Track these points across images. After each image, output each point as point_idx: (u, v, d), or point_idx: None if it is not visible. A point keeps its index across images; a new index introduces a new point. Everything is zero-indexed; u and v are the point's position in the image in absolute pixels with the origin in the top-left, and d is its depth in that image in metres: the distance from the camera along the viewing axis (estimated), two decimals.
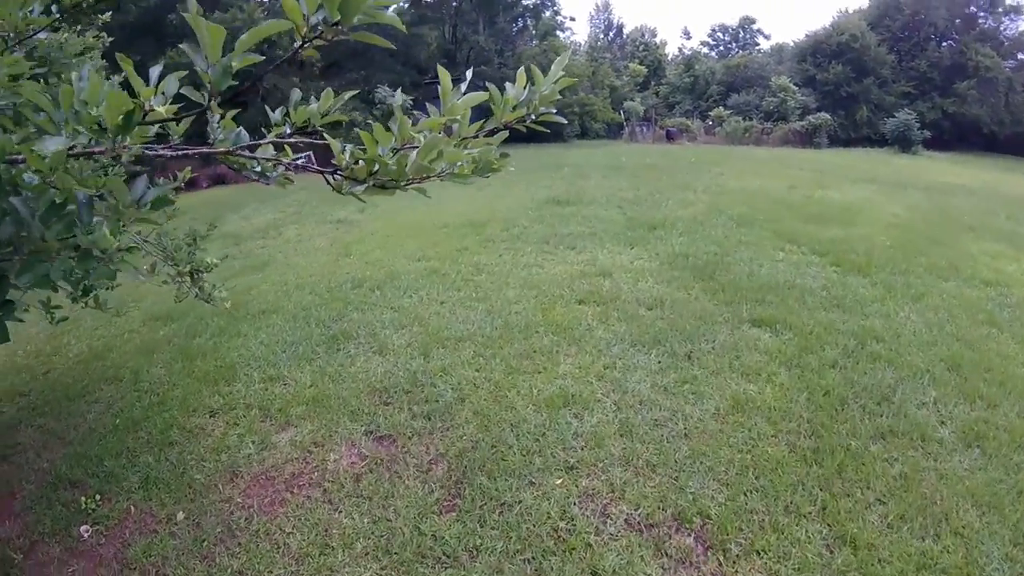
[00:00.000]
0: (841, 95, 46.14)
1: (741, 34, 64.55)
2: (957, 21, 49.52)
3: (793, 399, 4.72)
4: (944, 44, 50.62)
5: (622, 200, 11.79)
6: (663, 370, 5.10)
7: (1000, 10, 49.95)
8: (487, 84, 1.74)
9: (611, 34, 65.49)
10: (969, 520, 3.50)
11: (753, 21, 64.12)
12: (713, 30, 65.14)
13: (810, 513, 3.50)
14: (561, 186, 13.85)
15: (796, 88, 43.51)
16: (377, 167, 1.53)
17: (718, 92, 49.11)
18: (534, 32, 38.28)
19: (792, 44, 54.87)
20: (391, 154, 1.51)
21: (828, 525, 3.41)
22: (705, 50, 63.34)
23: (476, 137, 1.69)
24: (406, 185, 1.60)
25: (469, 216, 10.55)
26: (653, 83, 52.59)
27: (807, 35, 49.61)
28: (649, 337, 5.65)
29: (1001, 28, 50.69)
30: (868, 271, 7.86)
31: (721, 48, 64.32)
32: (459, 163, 1.60)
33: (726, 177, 15.80)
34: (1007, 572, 3.16)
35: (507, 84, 1.76)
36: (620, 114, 36.72)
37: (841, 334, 5.88)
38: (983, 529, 3.44)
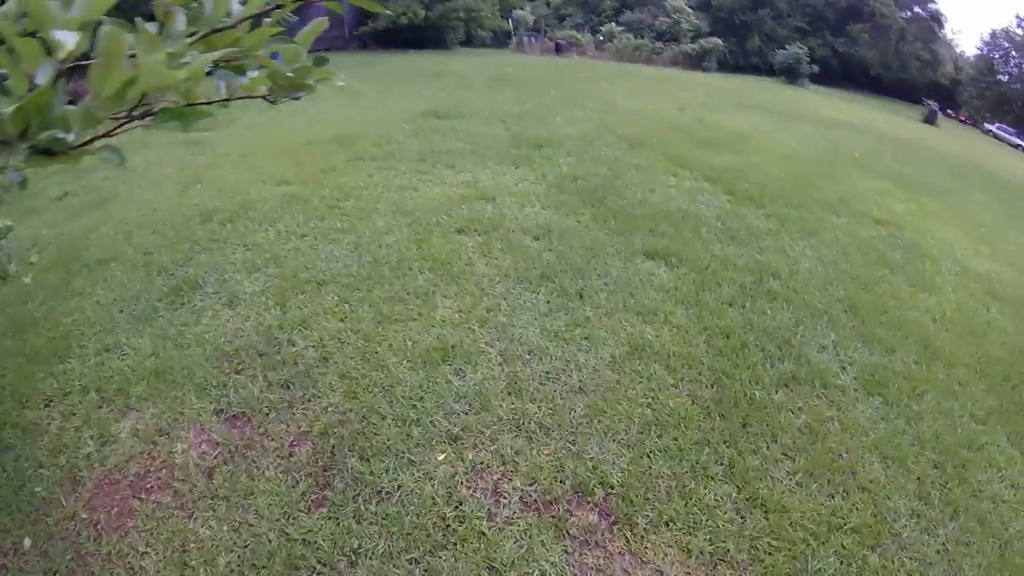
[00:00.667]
0: (735, 22, 47.64)
1: None
2: None
3: (692, 343, 4.54)
4: None
5: (507, 115, 11.22)
6: (553, 312, 4.72)
7: None
8: None
9: None
10: (875, 475, 3.56)
11: None
12: None
13: (717, 474, 3.34)
14: (441, 97, 13.01)
15: (691, 11, 44.36)
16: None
17: (611, 8, 49.23)
18: None
19: None
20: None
21: (737, 486, 3.29)
22: None
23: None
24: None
25: (338, 130, 9.59)
26: None
27: None
28: (536, 273, 5.22)
29: None
30: (762, 202, 7.91)
31: None
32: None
33: (616, 95, 15.56)
34: (914, 528, 3.25)
35: None
36: (509, 22, 35.65)
37: (738, 270, 5.83)
38: (889, 484, 3.52)
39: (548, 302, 4.86)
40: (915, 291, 6.16)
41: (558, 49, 34.17)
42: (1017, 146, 48.33)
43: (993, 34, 59.44)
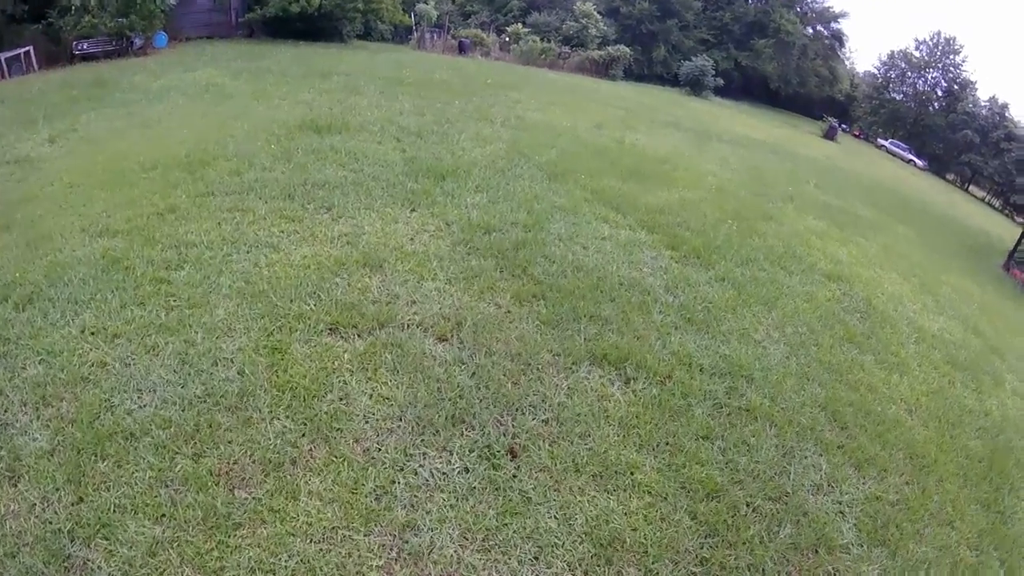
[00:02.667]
0: (642, 31, 48.56)
1: None
2: None
3: (673, 518, 3.35)
4: (751, 1, 55.60)
5: (402, 130, 9.42)
6: (476, 490, 3.25)
7: None
8: None
9: None
10: None
11: None
12: None
13: None
14: (325, 104, 11.02)
15: (599, 16, 44.25)
16: None
17: (519, 8, 48.67)
18: None
19: None
20: None
21: None
22: None
23: None
24: None
25: (192, 146, 7.61)
26: None
27: None
28: (446, 411, 3.70)
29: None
30: (709, 259, 6.89)
31: None
32: None
33: (527, 106, 14.05)
34: None
35: None
36: (411, 17, 33.77)
37: (705, 374, 4.74)
38: None
39: (468, 470, 3.36)
40: (886, 374, 5.82)
41: (461, 48, 32.59)
42: (909, 161, 51.93)
43: (891, 54, 63.28)
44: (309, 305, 4.43)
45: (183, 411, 3.39)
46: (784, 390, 4.88)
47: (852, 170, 24.69)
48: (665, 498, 3.46)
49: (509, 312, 4.86)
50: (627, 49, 39.99)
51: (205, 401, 3.48)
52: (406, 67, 17.72)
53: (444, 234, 5.89)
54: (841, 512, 3.89)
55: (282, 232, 5.44)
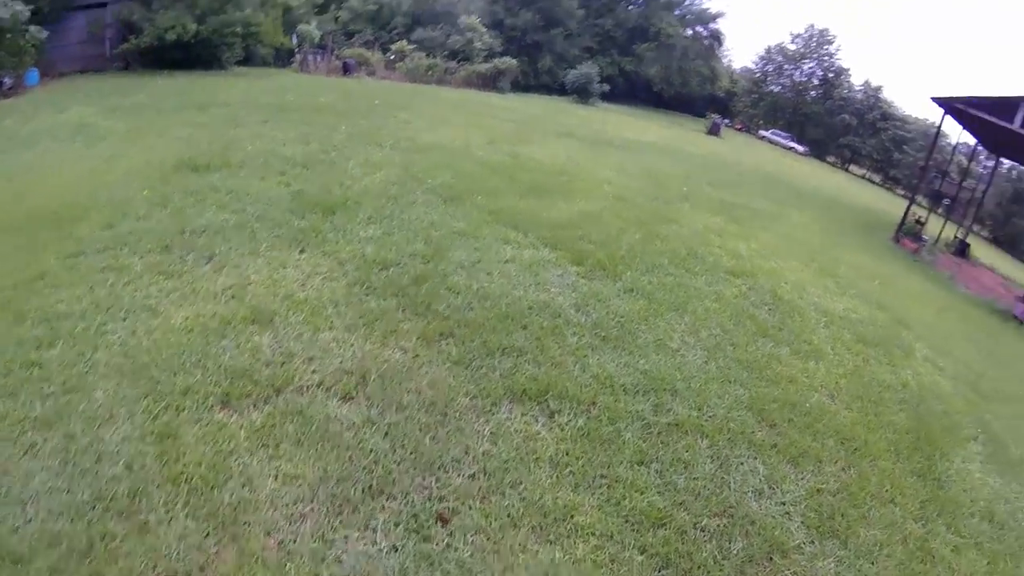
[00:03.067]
0: (527, 42, 48.92)
1: None
2: None
3: (624, 560, 3.27)
4: (632, 7, 57.17)
5: (287, 162, 8.87)
6: (410, 573, 2.92)
7: None
8: None
9: None
10: None
11: None
12: None
13: None
14: (204, 139, 10.25)
15: (484, 29, 44.28)
16: None
17: (403, 24, 48.03)
18: None
19: None
20: None
21: None
22: None
23: None
24: None
25: (61, 198, 6.94)
26: (334, 7, 49.25)
27: None
28: (362, 483, 3.35)
29: (686, 2, 59.19)
30: (615, 270, 6.85)
31: None
32: None
33: (416, 126, 13.66)
34: None
35: None
36: (292, 39, 32.74)
37: (628, 394, 4.65)
38: None
39: (396, 548, 3.03)
40: (803, 363, 5.99)
41: (346, 69, 31.81)
42: (791, 148, 54.75)
43: (768, 49, 66.43)
44: (196, 376, 3.96)
45: (73, 523, 2.89)
46: (708, 397, 4.87)
47: (740, 163, 25.51)
48: (611, 537, 3.32)
49: (417, 356, 4.55)
50: (513, 61, 40.14)
51: (95, 507, 2.98)
52: (289, 92, 17.01)
53: (338, 275, 5.49)
54: (787, 513, 3.90)
55: (160, 291, 4.90)
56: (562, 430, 4.08)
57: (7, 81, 17.12)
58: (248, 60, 31.58)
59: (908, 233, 20.09)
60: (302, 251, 5.89)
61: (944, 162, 32.25)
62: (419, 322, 4.96)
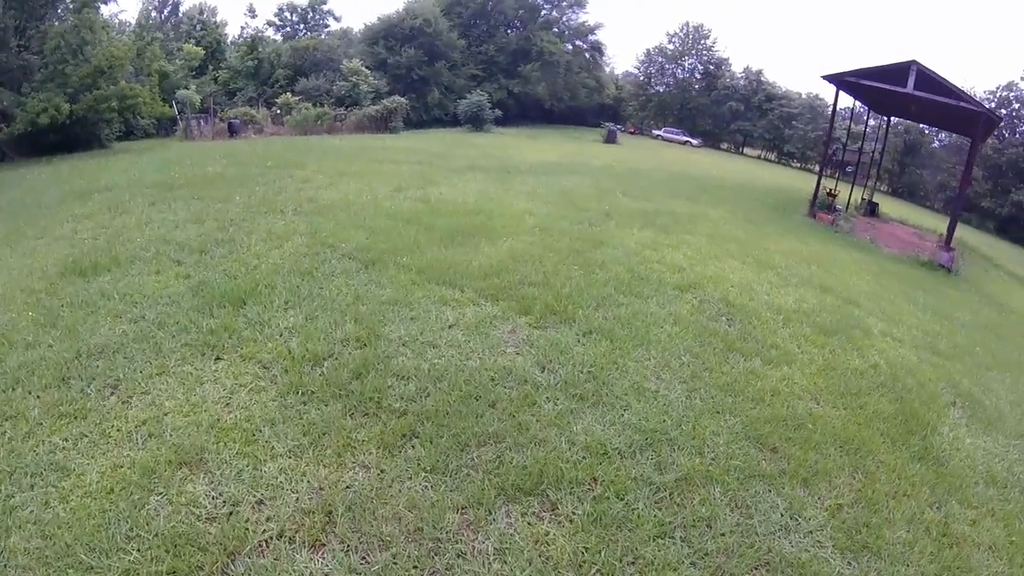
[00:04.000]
0: (413, 78, 48.94)
1: (310, 15, 64.38)
2: (521, 12, 58.27)
3: None
4: (511, 31, 58.27)
5: (181, 248, 7.91)
6: None
7: (565, 3, 60.82)
8: None
9: (166, 12, 58.03)
10: None
11: (324, 1, 64.04)
12: (281, 9, 63.86)
13: None
14: (88, 234, 9.12)
15: (368, 72, 43.86)
16: None
17: (285, 77, 47.29)
18: (70, 5, 29.51)
19: (362, 27, 56.97)
20: None
21: None
22: (271, 31, 62.46)
23: None
24: None
25: None
26: (211, 68, 47.73)
27: (380, 18, 52.93)
28: None
29: (563, 19, 61.43)
30: (566, 313, 6.33)
31: (288, 29, 63.57)
32: None
33: (317, 184, 12.72)
34: None
35: None
36: (173, 106, 31.24)
37: (626, 457, 4.20)
38: None
39: None
40: (777, 370, 5.90)
41: (232, 130, 30.62)
42: (685, 142, 56.55)
43: (648, 52, 68.63)
44: (132, 555, 3.12)
45: None
46: (705, 436, 4.55)
47: (644, 168, 25.72)
48: None
49: (383, 472, 3.81)
50: (402, 99, 39.85)
51: None
52: (175, 165, 15.71)
53: (265, 383, 4.67)
54: (818, 542, 3.73)
55: (67, 440, 3.99)
56: (571, 523, 3.50)
57: None
58: (129, 134, 30.15)
59: (822, 207, 20.76)
60: (217, 359, 5.04)
61: (841, 132, 33.57)
62: (374, 426, 4.23)
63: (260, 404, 4.40)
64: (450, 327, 5.77)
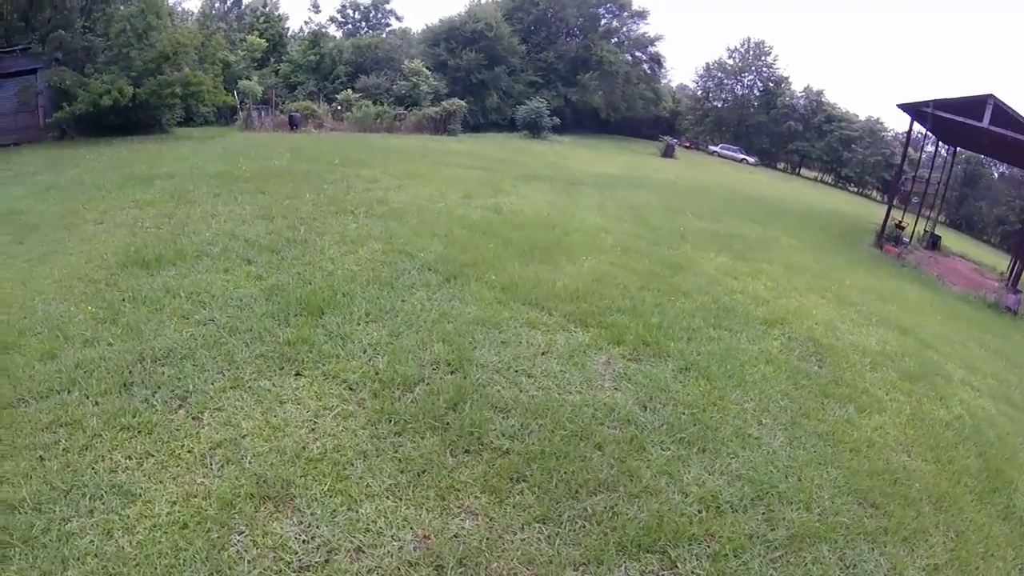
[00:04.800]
0: (472, 81, 48.80)
1: (373, 13, 64.18)
2: (582, 20, 57.54)
3: None
4: (571, 39, 57.94)
5: (251, 245, 7.57)
6: None
7: (626, 14, 59.83)
8: None
9: (229, 3, 58.97)
10: None
11: (387, 1, 63.86)
12: (344, 6, 63.68)
13: None
14: (151, 222, 8.84)
15: (429, 72, 43.83)
16: None
17: (345, 73, 47.36)
18: None
19: (424, 28, 56.97)
20: None
21: None
22: (333, 27, 62.13)
23: None
24: None
25: None
26: (273, 60, 48.14)
27: (441, 20, 52.96)
28: None
29: (624, 29, 60.45)
30: (658, 345, 5.93)
31: (350, 26, 63.37)
32: None
33: (385, 185, 12.48)
34: None
35: None
36: (234, 96, 31.46)
37: (739, 512, 3.90)
38: None
39: None
40: (869, 418, 5.55)
41: (292, 123, 30.64)
42: (742, 160, 55.39)
43: (707, 66, 67.51)
44: None
45: None
46: (811, 490, 4.24)
47: (706, 185, 25.14)
48: None
49: (491, 520, 3.44)
50: (461, 102, 39.68)
51: None
52: (238, 156, 15.53)
53: (352, 407, 4.31)
54: None
55: (131, 459, 3.69)
56: None
57: None
58: (190, 120, 30.30)
59: (889, 238, 20.06)
60: (297, 375, 4.70)
61: (911, 163, 32.56)
62: (476, 466, 3.86)
63: (350, 432, 4.04)
64: (542, 354, 5.39)
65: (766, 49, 65.09)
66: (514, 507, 3.56)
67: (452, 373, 4.86)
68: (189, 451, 3.78)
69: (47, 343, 5.10)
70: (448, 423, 4.21)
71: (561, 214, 11.70)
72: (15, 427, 4.01)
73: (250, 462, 3.69)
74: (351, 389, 4.53)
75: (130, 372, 4.62)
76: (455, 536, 3.30)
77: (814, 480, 4.33)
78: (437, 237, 8.43)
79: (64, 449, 3.78)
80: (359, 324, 5.53)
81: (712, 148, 60.32)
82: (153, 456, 3.73)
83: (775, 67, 65.35)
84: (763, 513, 3.87)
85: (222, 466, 3.67)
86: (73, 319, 5.54)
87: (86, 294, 6.10)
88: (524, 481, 3.78)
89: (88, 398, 4.30)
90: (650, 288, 7.56)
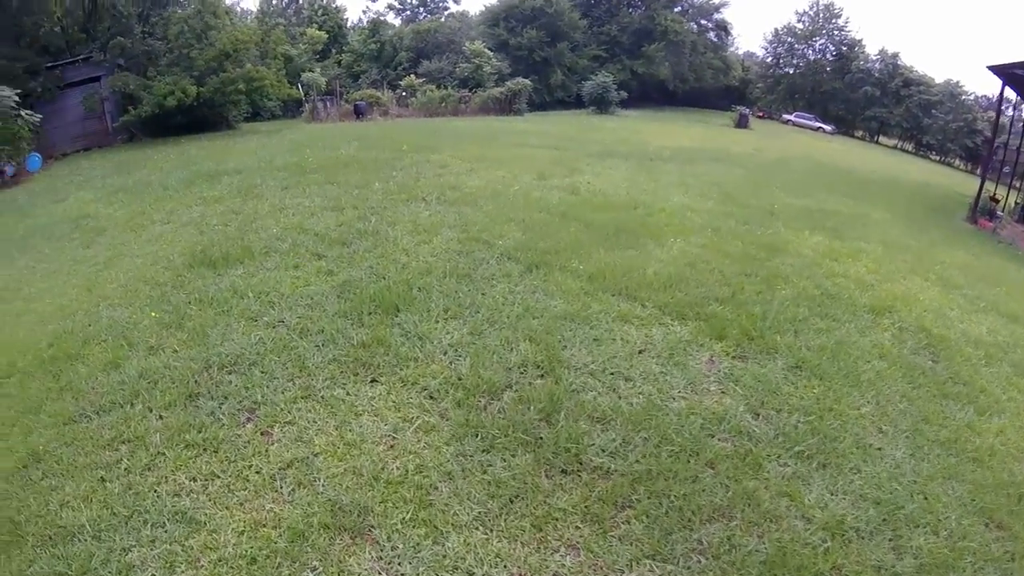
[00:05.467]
0: (535, 59, 48.06)
1: None
2: None
3: None
4: (633, 10, 56.21)
5: (321, 239, 7.26)
6: None
7: None
8: None
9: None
10: None
11: None
12: None
13: None
14: (218, 219, 8.67)
15: (491, 53, 43.26)
16: None
17: (407, 59, 47.27)
18: None
19: (482, 9, 55.97)
20: None
21: None
22: (391, 15, 62.31)
23: None
24: None
25: (56, 326, 5.56)
26: (335, 51, 48.42)
27: (500, 0, 51.61)
28: None
29: None
30: (763, 340, 5.30)
31: (408, 12, 63.34)
32: None
33: (456, 169, 12.07)
34: None
35: None
36: (298, 88, 31.65)
37: (865, 539, 3.33)
38: None
39: None
40: (988, 422, 4.78)
41: (358, 112, 30.55)
42: (818, 128, 52.87)
43: (776, 31, 64.60)
44: None
45: None
46: (937, 510, 3.68)
47: (787, 156, 23.88)
48: None
49: (595, 556, 2.99)
50: (526, 81, 38.90)
51: None
52: (305, 147, 15.44)
53: (434, 418, 3.90)
54: None
55: (195, 481, 3.39)
56: None
57: (8, 170, 16.06)
58: (256, 116, 30.61)
59: (983, 212, 18.70)
60: (373, 381, 4.32)
61: (983, 125, 30.20)
62: (575, 489, 3.39)
63: (432, 449, 3.63)
64: (639, 352, 4.87)
65: (836, 11, 61.85)
66: (620, 539, 3.10)
67: (542, 377, 4.41)
68: (257, 472, 3.44)
69: (111, 352, 4.91)
70: (541, 437, 3.76)
71: (642, 193, 11.06)
72: (76, 444, 3.78)
73: (324, 485, 3.33)
74: (432, 398, 4.12)
75: (196, 382, 4.36)
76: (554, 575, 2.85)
77: (940, 498, 3.77)
78: (514, 222, 7.97)
79: (126, 468, 3.51)
80: (437, 322, 5.13)
81: (787, 117, 57.78)
82: (219, 477, 3.42)
83: (847, 30, 62.09)
84: (890, 540, 3.35)
85: (293, 490, 3.32)
86: (138, 325, 5.34)
87: (151, 298, 5.90)
88: (630, 508, 3.31)
89: (151, 411, 4.05)
90: (748, 274, 6.91)
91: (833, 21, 61.95)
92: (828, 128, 54.45)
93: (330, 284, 5.96)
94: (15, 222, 11.02)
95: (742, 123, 41.66)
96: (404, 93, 36.92)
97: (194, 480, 3.40)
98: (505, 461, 3.55)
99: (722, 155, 19.57)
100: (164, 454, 3.61)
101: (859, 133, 62.26)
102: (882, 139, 61.63)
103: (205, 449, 3.64)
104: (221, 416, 3.94)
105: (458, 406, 4.01)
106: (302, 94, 31.95)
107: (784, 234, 9.12)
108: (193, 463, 3.52)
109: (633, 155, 16.79)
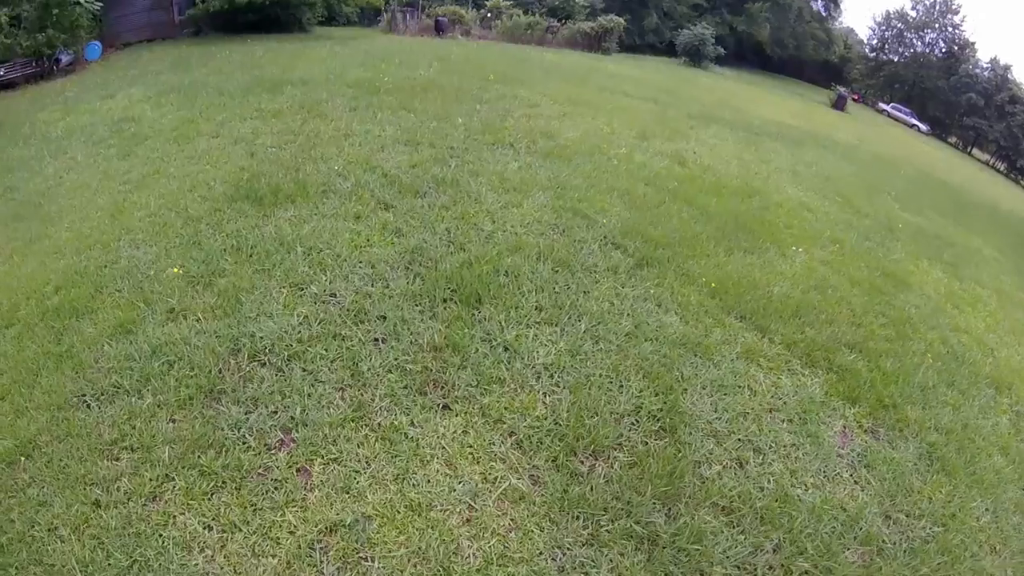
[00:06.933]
0: None
1: None
2: None
3: None
4: None
5: (389, 183, 6.21)
6: None
7: None
8: None
9: None
10: None
11: None
12: None
13: None
14: (273, 139, 7.62)
15: None
16: None
17: None
18: None
19: None
20: None
21: None
22: None
23: None
24: None
25: (67, 264, 4.88)
26: None
27: None
28: None
29: None
30: (897, 410, 4.39)
31: None
32: None
33: (545, 112, 10.80)
34: None
35: None
36: None
37: None
38: None
39: None
40: None
41: (439, 28, 29.05)
42: (913, 125, 49.91)
43: (887, 15, 60.69)
44: None
45: None
46: None
47: (888, 156, 22.13)
48: None
49: None
50: (620, 19, 36.78)
51: None
52: (381, 62, 14.13)
53: (523, 478, 3.04)
54: None
55: (209, 531, 2.63)
56: None
57: (64, 58, 15.36)
58: (331, 19, 29.30)
59: None
60: (445, 408, 3.44)
61: None
62: None
63: (521, 533, 2.81)
64: (769, 411, 3.96)
65: (954, 7, 57.53)
66: None
67: (658, 433, 3.53)
68: (291, 532, 2.64)
69: (124, 310, 4.12)
70: (658, 529, 2.89)
71: (755, 177, 9.89)
72: (72, 440, 3.03)
73: (378, 571, 2.46)
74: (521, 447, 3.25)
75: (220, 372, 3.54)
76: None
77: None
78: (617, 194, 6.95)
79: (126, 493, 2.76)
80: (529, 327, 4.21)
81: (882, 106, 54.56)
82: (240, 531, 2.62)
83: (961, 28, 57.84)
84: None
85: (338, 571, 2.49)
86: (159, 275, 4.48)
87: (181, 237, 5.05)
88: None
89: (162, 408, 3.27)
90: (875, 312, 5.90)
91: (949, 16, 57.88)
92: (923, 127, 51.41)
93: (398, 249, 5.01)
94: (57, 118, 10.38)
95: (839, 105, 39.27)
96: (489, 15, 35.16)
97: (208, 529, 2.64)
98: (612, 562, 2.71)
99: (828, 142, 18.00)
100: (173, 480, 2.86)
101: (952, 139, 58.74)
102: (975, 151, 58.14)
103: (224, 483, 2.87)
104: (247, 433, 3.14)
105: (555, 466, 3.15)
106: (382, 2, 30.57)
107: (905, 262, 7.95)
108: (208, 501, 2.76)
109: (737, 124, 15.37)
